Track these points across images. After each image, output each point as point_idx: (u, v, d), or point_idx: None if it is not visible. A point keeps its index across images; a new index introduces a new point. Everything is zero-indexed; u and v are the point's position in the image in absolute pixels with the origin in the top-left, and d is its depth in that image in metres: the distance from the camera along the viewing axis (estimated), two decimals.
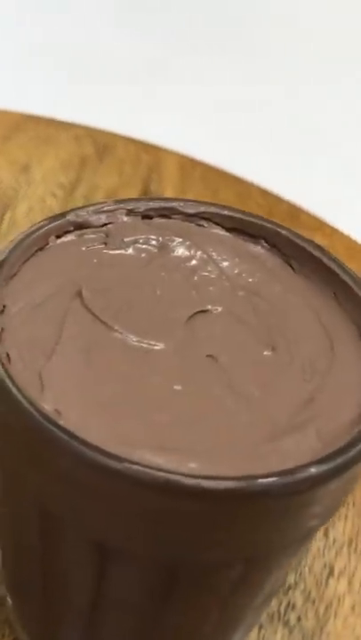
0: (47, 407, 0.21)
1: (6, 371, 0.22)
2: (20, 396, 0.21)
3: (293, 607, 0.35)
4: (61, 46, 0.85)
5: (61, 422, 0.21)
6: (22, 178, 0.53)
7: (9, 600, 0.31)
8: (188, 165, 0.57)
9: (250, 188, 0.56)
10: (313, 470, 0.21)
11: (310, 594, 0.36)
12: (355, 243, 0.54)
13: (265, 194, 0.56)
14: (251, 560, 0.23)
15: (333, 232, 0.55)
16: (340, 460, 0.21)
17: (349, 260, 0.33)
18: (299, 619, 0.35)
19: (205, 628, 0.26)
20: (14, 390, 0.21)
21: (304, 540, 0.25)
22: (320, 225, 0.56)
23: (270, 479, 0.20)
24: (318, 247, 0.26)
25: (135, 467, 0.20)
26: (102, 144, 0.57)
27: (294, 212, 0.56)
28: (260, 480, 0.20)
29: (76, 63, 0.84)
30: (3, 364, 0.22)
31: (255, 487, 0.20)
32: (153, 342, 0.23)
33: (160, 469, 0.20)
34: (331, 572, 0.37)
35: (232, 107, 0.77)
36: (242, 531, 0.22)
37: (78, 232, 0.26)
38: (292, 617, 0.35)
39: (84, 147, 0.56)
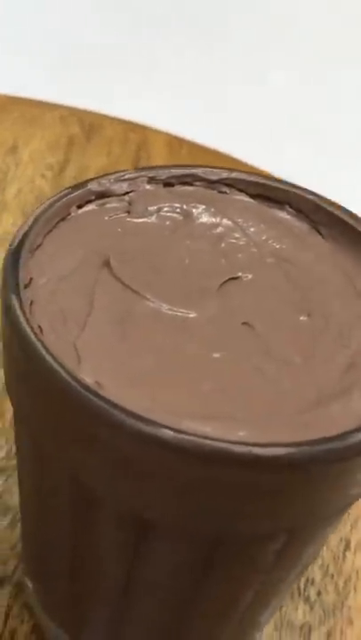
0: (87, 379, 0.20)
1: (41, 342, 0.21)
2: (57, 367, 0.20)
3: (313, 582, 0.35)
4: (48, 31, 0.83)
5: (103, 393, 0.20)
6: (10, 159, 0.52)
7: (29, 584, 0.31)
8: (176, 143, 0.56)
9: (240, 165, 0.55)
10: None
11: (328, 568, 0.35)
12: None
13: (255, 170, 0.55)
14: (293, 531, 0.23)
15: None
16: None
17: None
18: (319, 593, 0.35)
19: (240, 606, 0.26)
20: (51, 361, 0.20)
21: (344, 510, 0.24)
22: None
23: (322, 445, 0.20)
24: (346, 211, 0.26)
25: (183, 436, 0.19)
26: (88, 124, 0.56)
27: None
28: (312, 446, 0.20)
29: (61, 46, 0.83)
30: (36, 335, 0.21)
31: (308, 453, 0.20)
32: (186, 311, 0.23)
33: (209, 438, 0.19)
34: (347, 546, 0.36)
35: (223, 93, 0.76)
36: (288, 500, 0.21)
37: (100, 201, 0.25)
38: (312, 592, 0.35)
39: (70, 127, 0.55)
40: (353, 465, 0.21)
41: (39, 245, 0.24)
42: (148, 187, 0.26)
